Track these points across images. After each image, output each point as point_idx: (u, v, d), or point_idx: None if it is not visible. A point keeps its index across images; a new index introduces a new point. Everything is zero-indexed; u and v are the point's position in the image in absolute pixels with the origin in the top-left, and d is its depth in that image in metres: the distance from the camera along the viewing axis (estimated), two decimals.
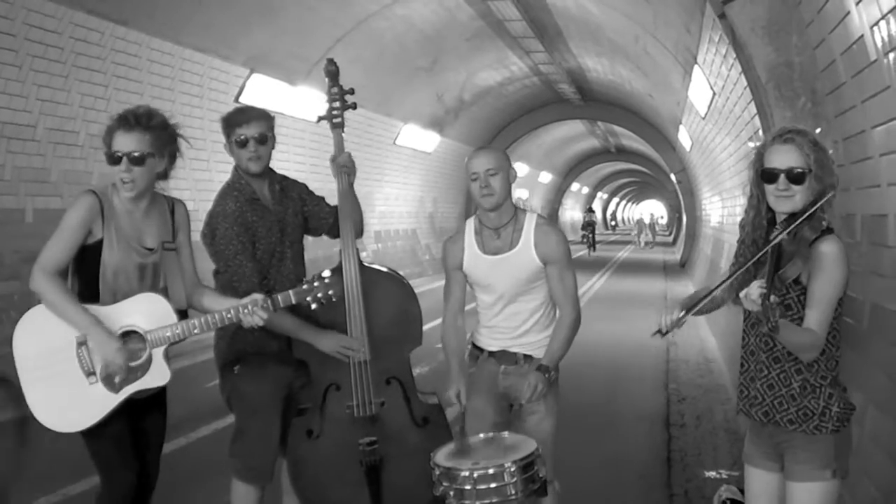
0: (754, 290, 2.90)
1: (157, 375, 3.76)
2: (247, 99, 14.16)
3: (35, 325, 3.70)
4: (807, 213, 3.08)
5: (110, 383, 3.68)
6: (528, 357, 4.23)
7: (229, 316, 3.77)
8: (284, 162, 15.03)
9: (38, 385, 3.66)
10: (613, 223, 60.47)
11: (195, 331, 3.78)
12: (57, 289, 3.64)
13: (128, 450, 3.81)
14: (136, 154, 3.74)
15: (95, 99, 11.12)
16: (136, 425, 3.87)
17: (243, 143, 4.33)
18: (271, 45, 14.33)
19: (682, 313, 3.14)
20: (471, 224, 4.33)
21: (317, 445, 4.42)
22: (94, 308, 3.68)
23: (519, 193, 22.80)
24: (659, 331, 3.16)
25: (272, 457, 4.41)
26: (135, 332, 3.72)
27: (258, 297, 3.80)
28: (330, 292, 3.90)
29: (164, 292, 3.89)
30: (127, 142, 3.75)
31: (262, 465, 4.38)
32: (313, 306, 3.91)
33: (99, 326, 3.65)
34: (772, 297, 2.85)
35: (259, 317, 3.76)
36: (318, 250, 13.09)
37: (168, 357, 3.80)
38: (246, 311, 3.76)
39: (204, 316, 3.80)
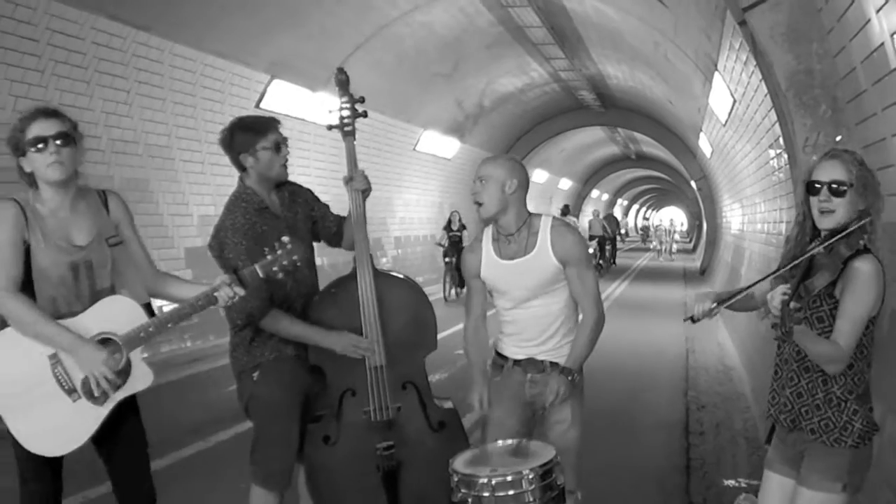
0: (777, 294, 2.97)
1: (140, 378, 3.71)
2: (267, 105, 14.24)
3: (2, 354, 3.57)
4: (846, 231, 3.16)
5: (92, 396, 3.60)
6: (554, 364, 4.19)
7: (200, 303, 3.74)
8: (305, 168, 15.10)
9: (21, 414, 3.55)
10: (623, 231, 59.13)
11: (168, 325, 3.73)
12: (25, 307, 3.54)
13: (51, 477, 3.69)
14: (62, 132, 3.63)
15: (117, 104, 11.19)
16: (107, 435, 3.75)
17: (278, 147, 4.38)
18: (292, 52, 14.38)
19: (715, 305, 3.27)
20: (488, 232, 4.33)
21: (333, 451, 4.42)
22: (61, 322, 3.58)
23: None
24: (691, 317, 3.30)
25: (291, 463, 4.42)
26: (108, 339, 3.63)
27: (224, 277, 3.78)
28: (294, 257, 3.88)
29: (112, 290, 3.80)
30: (49, 126, 3.62)
31: (282, 471, 4.38)
32: (280, 275, 3.89)
33: (80, 339, 3.56)
34: (792, 304, 2.93)
35: (231, 293, 3.74)
36: (339, 256, 13.16)
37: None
38: (216, 294, 3.73)
39: (175, 309, 3.75)
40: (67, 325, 3.59)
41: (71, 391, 3.59)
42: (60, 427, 3.58)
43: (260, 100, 14.39)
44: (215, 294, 3.74)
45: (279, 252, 3.85)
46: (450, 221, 21.06)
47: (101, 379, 3.56)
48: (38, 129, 3.61)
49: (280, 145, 4.37)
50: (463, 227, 20.77)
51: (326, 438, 4.43)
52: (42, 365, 3.57)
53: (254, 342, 4.34)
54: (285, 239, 3.89)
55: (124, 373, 3.66)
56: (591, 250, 28.78)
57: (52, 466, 3.70)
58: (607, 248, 31.14)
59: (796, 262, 3.21)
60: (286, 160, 4.42)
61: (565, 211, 30.02)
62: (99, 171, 11.10)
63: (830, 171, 3.25)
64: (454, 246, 20.23)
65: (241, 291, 3.78)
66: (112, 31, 10.73)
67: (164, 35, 11.64)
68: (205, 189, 13.18)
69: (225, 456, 6.91)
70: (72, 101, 10.45)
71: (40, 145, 3.60)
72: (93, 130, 10.91)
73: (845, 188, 3.21)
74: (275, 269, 3.85)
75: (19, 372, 3.56)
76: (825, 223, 3.26)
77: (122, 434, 3.83)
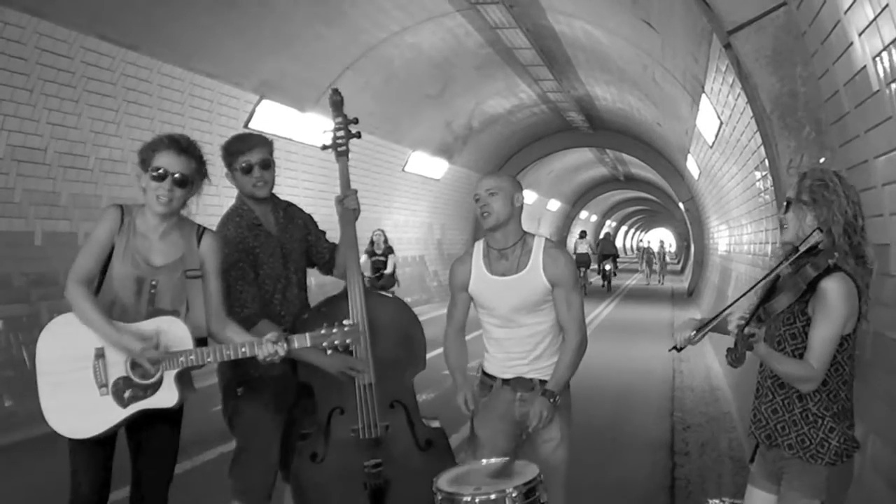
0: (734, 317, 3.02)
1: (165, 397, 3.78)
2: (256, 125, 14.27)
3: (59, 331, 3.79)
4: (805, 246, 3.18)
5: (119, 397, 3.74)
6: (543, 382, 4.21)
7: (243, 350, 3.81)
8: (293, 188, 15.10)
9: (51, 389, 3.73)
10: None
11: (208, 359, 3.81)
12: (83, 297, 3.71)
13: (99, 468, 3.84)
14: (183, 175, 3.88)
15: (106, 123, 11.19)
16: (139, 436, 3.93)
17: (248, 170, 4.40)
18: (281, 72, 14.43)
19: (694, 333, 3.27)
20: (479, 246, 4.36)
21: (321, 469, 4.42)
22: (116, 324, 3.74)
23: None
24: (674, 346, 3.31)
25: (270, 478, 4.44)
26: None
27: (274, 335, 3.83)
28: (347, 341, 3.92)
29: (171, 314, 3.90)
30: (176, 163, 3.87)
31: (260, 486, 4.40)
32: (328, 352, 3.95)
33: (118, 328, 3.68)
34: (746, 329, 2.95)
35: (273, 350, 3.80)
36: (327, 276, 13.14)
37: (183, 381, 3.83)
38: (260, 347, 3.80)
39: (219, 347, 3.84)
40: (119, 327, 3.73)
41: (101, 385, 3.74)
42: (79, 413, 3.74)
43: (248, 120, 14.42)
44: (258, 347, 3.82)
45: (336, 331, 3.91)
46: (372, 243, 16.67)
47: (139, 357, 3.69)
48: (165, 161, 3.87)
49: (253, 167, 4.41)
50: (390, 249, 16.82)
51: (314, 456, 4.43)
52: (86, 354, 3.75)
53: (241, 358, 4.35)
54: (347, 322, 3.96)
55: (153, 387, 3.78)
56: (608, 267, 29.51)
57: (100, 460, 3.84)
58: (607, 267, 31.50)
59: (761, 280, 3.27)
60: (261, 181, 4.43)
61: (583, 235, 30.49)
62: (87, 190, 11.10)
63: (789, 191, 3.40)
64: (378, 273, 16.42)
65: (282, 351, 3.82)
66: (101, 51, 10.76)
67: (153, 55, 11.67)
68: (192, 208, 13.14)
69: (211, 475, 6.88)
70: (60, 121, 10.46)
71: (160, 178, 3.84)
72: (81, 150, 10.92)
73: (788, 204, 3.34)
74: (325, 344, 3.91)
75: (65, 352, 3.76)
76: (782, 236, 3.40)
77: (153, 444, 3.97)
